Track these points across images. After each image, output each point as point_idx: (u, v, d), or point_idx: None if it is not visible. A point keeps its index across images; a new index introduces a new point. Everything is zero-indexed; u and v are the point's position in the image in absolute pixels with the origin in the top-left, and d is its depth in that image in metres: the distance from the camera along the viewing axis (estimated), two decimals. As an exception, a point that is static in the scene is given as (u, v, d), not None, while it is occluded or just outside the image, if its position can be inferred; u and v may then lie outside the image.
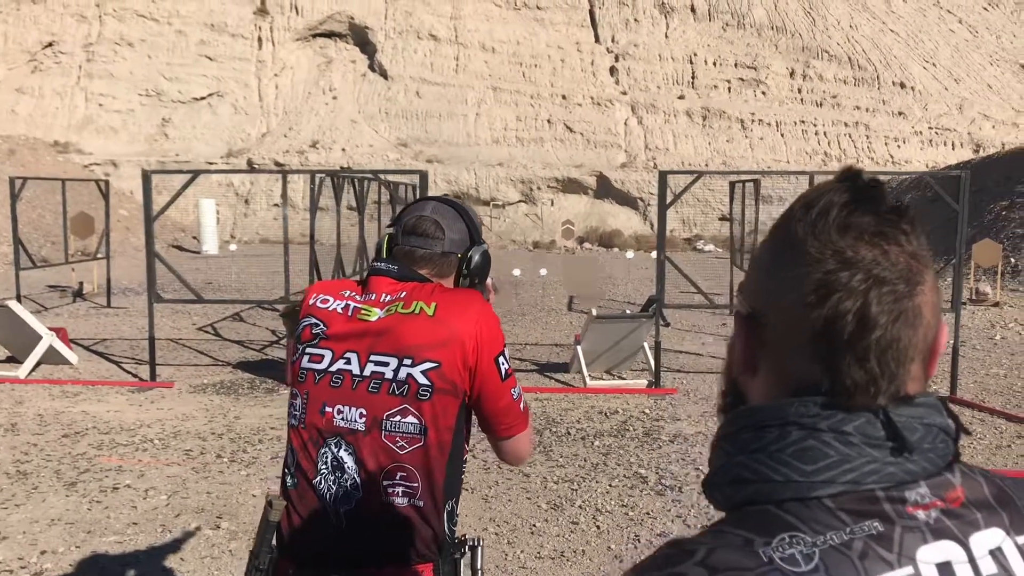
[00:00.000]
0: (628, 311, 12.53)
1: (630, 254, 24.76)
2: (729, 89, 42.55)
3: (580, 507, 5.88)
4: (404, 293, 1.91)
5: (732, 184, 15.05)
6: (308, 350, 1.93)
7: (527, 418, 2.01)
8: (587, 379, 9.48)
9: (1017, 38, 50.28)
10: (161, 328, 10.47)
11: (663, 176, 9.14)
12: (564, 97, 41.02)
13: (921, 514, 0.76)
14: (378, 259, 2.00)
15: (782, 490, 0.78)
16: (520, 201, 38.14)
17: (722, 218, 34.61)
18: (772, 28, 43.95)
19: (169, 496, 6.07)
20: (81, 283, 17.04)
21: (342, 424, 1.86)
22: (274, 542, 1.93)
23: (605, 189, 38.47)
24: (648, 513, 5.79)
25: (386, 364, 1.84)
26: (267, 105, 40.71)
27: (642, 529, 5.51)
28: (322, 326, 1.92)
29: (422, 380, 1.82)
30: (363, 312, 1.90)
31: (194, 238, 31.77)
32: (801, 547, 0.74)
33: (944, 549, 0.75)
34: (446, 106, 40.39)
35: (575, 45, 43.12)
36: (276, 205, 35.78)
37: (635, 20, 43.96)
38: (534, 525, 5.55)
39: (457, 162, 38.29)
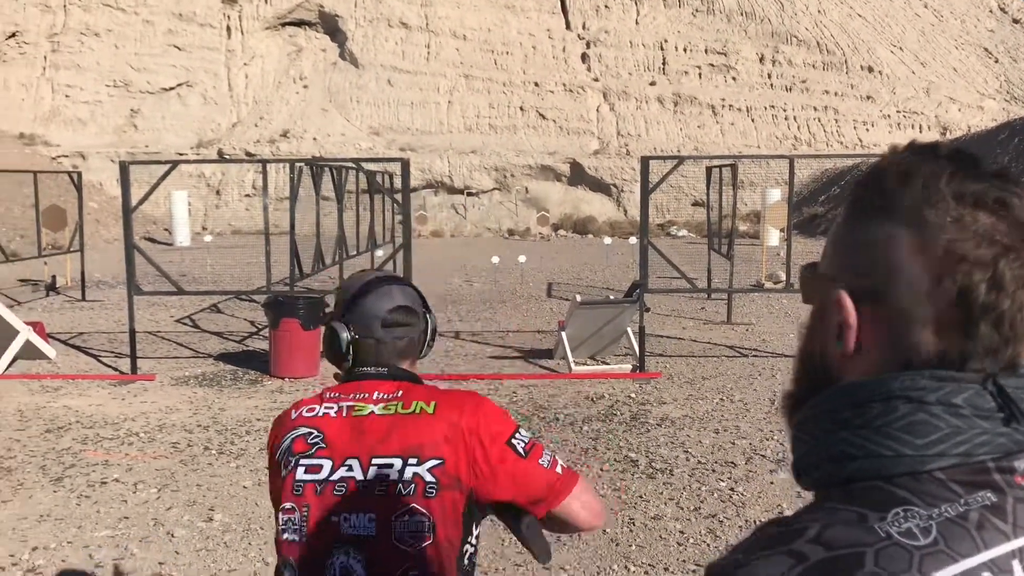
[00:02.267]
0: (611, 296, 12.56)
1: (608, 240, 24.78)
2: (700, 75, 42.70)
3: (573, 492, 5.89)
4: (401, 392, 1.90)
5: (708, 170, 15.08)
6: (303, 461, 1.87)
7: (573, 475, 1.92)
8: (572, 365, 9.50)
9: (981, 22, 50.87)
10: (139, 321, 10.32)
11: (645, 162, 9.15)
12: (536, 84, 40.97)
13: None
14: (356, 364, 1.96)
15: (892, 465, 0.77)
16: (494, 189, 38.08)
17: (695, 203, 34.77)
18: (741, 14, 44.12)
19: (159, 490, 6.02)
20: (54, 277, 16.80)
21: (350, 531, 1.81)
22: None
23: (579, 176, 38.50)
24: (641, 496, 5.82)
25: (390, 466, 1.82)
26: (237, 95, 40.26)
27: (636, 512, 5.54)
28: (316, 433, 1.88)
29: (428, 478, 1.80)
30: (356, 409, 1.88)
31: (166, 230, 31.40)
32: (917, 520, 0.73)
33: None
34: (418, 94, 40.17)
35: (546, 32, 43.04)
36: (248, 196, 35.41)
37: (606, 7, 43.95)
38: (529, 511, 5.56)
39: (430, 150, 38.12)
